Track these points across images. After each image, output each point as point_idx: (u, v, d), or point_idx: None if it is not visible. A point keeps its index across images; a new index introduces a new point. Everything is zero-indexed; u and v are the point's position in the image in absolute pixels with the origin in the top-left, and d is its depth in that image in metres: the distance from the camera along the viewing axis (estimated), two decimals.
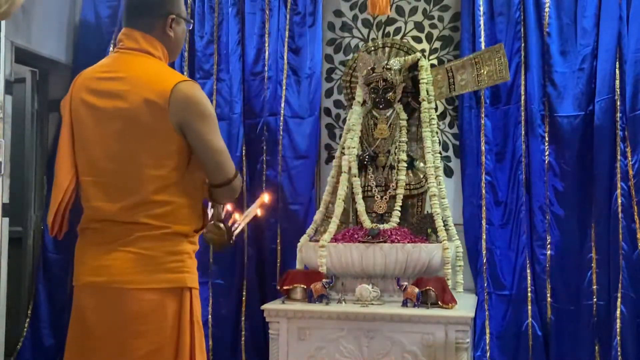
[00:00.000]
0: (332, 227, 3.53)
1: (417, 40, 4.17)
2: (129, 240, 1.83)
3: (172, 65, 2.04)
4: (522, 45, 3.82)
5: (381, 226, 3.46)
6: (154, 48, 1.97)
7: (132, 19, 1.99)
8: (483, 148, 3.84)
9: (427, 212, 3.62)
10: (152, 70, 1.91)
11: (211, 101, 4.17)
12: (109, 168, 1.87)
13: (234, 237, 2.11)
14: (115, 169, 1.86)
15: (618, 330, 3.40)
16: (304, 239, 3.66)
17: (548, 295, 3.68)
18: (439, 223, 3.46)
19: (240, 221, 2.17)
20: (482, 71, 3.67)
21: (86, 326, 1.86)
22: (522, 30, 3.82)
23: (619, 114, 3.54)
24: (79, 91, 1.94)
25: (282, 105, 4.16)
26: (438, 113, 3.98)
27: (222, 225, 2.08)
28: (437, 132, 3.77)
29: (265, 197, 2.35)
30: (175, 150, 1.85)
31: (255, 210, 2.25)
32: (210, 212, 2.07)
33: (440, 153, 3.84)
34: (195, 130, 1.85)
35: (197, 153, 1.88)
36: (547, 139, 3.74)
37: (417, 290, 3.22)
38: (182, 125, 1.84)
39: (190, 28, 4.19)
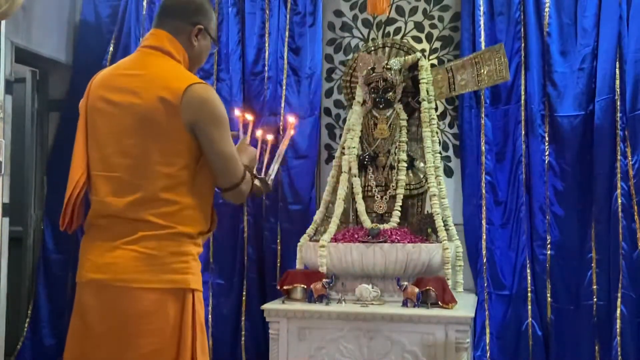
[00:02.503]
0: (332, 227, 3.54)
1: (417, 40, 4.17)
2: (133, 238, 1.84)
3: None
4: (522, 45, 3.82)
5: (381, 226, 3.46)
6: (176, 51, 1.99)
7: (162, 19, 2.03)
8: (483, 148, 3.84)
9: (427, 212, 3.62)
10: (169, 70, 1.94)
11: None
12: (121, 163, 1.88)
13: (270, 184, 2.16)
14: (126, 164, 1.87)
15: (618, 330, 3.40)
16: (304, 239, 3.66)
17: (548, 295, 3.69)
18: (439, 223, 3.46)
19: (273, 165, 2.21)
20: (482, 71, 3.67)
21: (88, 323, 1.86)
22: (522, 30, 3.82)
23: (619, 114, 3.54)
24: (97, 88, 1.98)
25: (282, 105, 4.16)
26: (438, 113, 3.98)
27: (257, 181, 2.12)
28: (437, 132, 3.77)
29: (292, 131, 2.39)
30: (184, 149, 1.86)
31: (285, 146, 2.30)
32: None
33: (440, 153, 3.84)
34: (206, 133, 1.87)
35: (206, 155, 1.89)
36: (547, 138, 3.74)
37: (417, 290, 3.22)
38: (193, 125, 1.85)
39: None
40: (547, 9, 3.77)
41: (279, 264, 4.08)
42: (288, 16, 4.19)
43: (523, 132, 3.78)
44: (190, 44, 2.03)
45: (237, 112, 2.37)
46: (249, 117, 2.30)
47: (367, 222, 3.51)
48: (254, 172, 2.16)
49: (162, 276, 1.84)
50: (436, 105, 3.85)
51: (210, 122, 1.87)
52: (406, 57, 3.74)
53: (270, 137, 2.34)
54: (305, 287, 3.39)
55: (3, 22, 3.47)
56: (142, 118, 1.86)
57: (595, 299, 3.56)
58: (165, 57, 1.97)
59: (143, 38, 2.05)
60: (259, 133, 2.32)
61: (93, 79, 2.02)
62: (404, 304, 3.24)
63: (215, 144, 1.88)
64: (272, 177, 2.18)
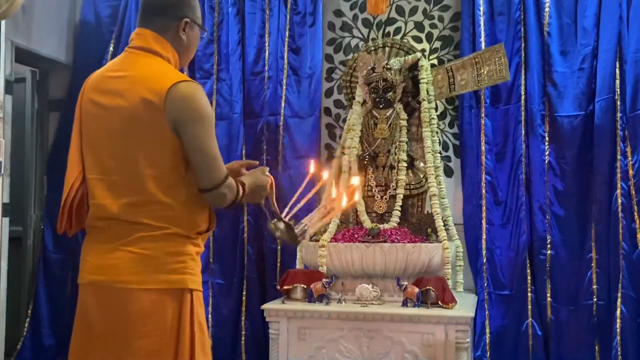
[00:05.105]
0: (332, 227, 3.53)
1: (417, 40, 4.17)
2: (130, 240, 1.83)
3: None
4: (522, 45, 3.81)
5: (381, 226, 3.46)
6: (164, 49, 1.96)
7: (147, 18, 1.99)
8: (483, 148, 3.83)
9: (427, 212, 3.62)
10: (154, 70, 1.91)
11: (211, 101, 4.17)
12: (113, 166, 1.87)
13: (299, 237, 2.02)
14: (117, 166, 1.86)
15: (618, 330, 3.40)
16: None
17: (548, 295, 3.68)
18: (439, 223, 3.46)
19: (311, 221, 2.05)
20: (482, 71, 3.67)
21: (88, 325, 1.87)
22: (522, 30, 3.82)
23: (619, 114, 3.54)
24: (89, 91, 1.96)
25: (282, 105, 4.16)
26: (438, 113, 3.98)
27: (282, 224, 2.02)
28: (437, 132, 3.77)
29: (355, 180, 2.23)
30: (169, 151, 1.84)
31: (336, 207, 2.10)
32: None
33: (440, 153, 3.84)
34: (188, 130, 1.83)
35: (188, 154, 1.85)
36: (547, 138, 3.74)
37: (417, 290, 3.22)
38: (176, 125, 1.82)
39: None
40: (547, 9, 3.77)
41: (279, 264, 4.08)
42: (288, 16, 4.19)
43: (523, 132, 3.78)
44: (178, 38, 1.99)
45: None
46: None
47: (367, 222, 3.51)
48: (273, 208, 2.02)
49: (159, 277, 1.83)
50: (436, 105, 3.85)
51: (193, 118, 1.83)
52: (406, 57, 3.74)
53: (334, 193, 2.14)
54: (305, 287, 3.39)
55: (3, 22, 3.47)
56: (127, 120, 1.85)
57: (595, 299, 3.56)
58: (153, 57, 1.94)
59: (130, 38, 2.01)
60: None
61: (86, 81, 2.00)
62: (404, 304, 3.24)
63: (196, 141, 1.83)
64: (303, 232, 2.01)
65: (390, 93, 3.67)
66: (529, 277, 3.70)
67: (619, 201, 3.48)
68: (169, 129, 1.82)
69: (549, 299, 3.68)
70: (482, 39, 3.86)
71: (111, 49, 4.31)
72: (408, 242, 3.35)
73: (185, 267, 1.88)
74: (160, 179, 1.84)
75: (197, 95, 1.86)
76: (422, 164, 3.67)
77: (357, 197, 2.20)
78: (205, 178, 1.86)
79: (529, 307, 3.68)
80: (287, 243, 2.05)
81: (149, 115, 1.82)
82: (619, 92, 3.56)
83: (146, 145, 1.84)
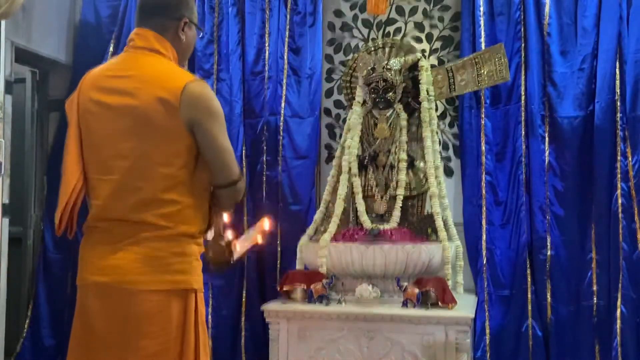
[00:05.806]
0: (332, 227, 3.53)
1: (417, 40, 4.17)
2: (135, 240, 1.83)
3: None
4: (522, 45, 3.82)
5: (381, 226, 3.46)
6: (165, 48, 1.97)
7: (146, 18, 2.00)
8: (483, 148, 3.83)
9: (427, 212, 3.62)
10: (163, 69, 1.92)
11: None
12: (119, 166, 1.86)
13: (234, 258, 2.04)
14: (125, 166, 1.85)
15: (618, 330, 3.41)
16: (304, 239, 3.66)
17: (548, 295, 3.68)
18: (439, 223, 3.46)
19: (239, 247, 2.08)
20: (483, 71, 3.67)
21: (90, 326, 1.85)
22: (522, 30, 3.82)
23: (619, 114, 3.55)
24: (88, 90, 1.95)
25: (283, 105, 4.16)
26: (438, 113, 3.98)
27: (222, 242, 2.04)
28: (437, 132, 3.77)
29: (266, 224, 2.26)
30: (184, 148, 1.85)
31: (255, 236, 2.16)
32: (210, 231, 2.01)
33: (440, 153, 3.84)
34: (205, 129, 1.85)
35: (204, 152, 1.87)
36: (547, 139, 3.74)
37: (417, 290, 3.22)
38: (192, 123, 1.84)
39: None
40: (547, 9, 3.77)
41: (279, 265, 4.08)
42: (288, 16, 4.19)
43: (523, 132, 3.78)
44: (178, 38, 2.01)
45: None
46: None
47: (367, 223, 3.51)
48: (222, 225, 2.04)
49: (165, 277, 1.83)
50: (436, 105, 3.85)
51: (209, 117, 1.86)
52: (406, 57, 3.74)
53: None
54: (305, 287, 3.39)
55: (3, 22, 3.47)
56: (139, 119, 1.84)
57: (595, 299, 3.56)
58: (156, 56, 1.95)
59: (128, 38, 2.01)
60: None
61: (83, 79, 1.99)
62: (404, 305, 3.24)
63: (214, 138, 1.87)
64: (235, 255, 2.05)
65: (390, 93, 3.67)
66: (529, 278, 3.70)
67: (619, 201, 3.48)
68: (184, 127, 1.83)
69: (549, 299, 3.68)
70: (482, 39, 3.86)
71: (111, 49, 4.30)
72: (408, 242, 3.35)
73: (190, 267, 1.88)
74: (172, 177, 1.84)
75: (210, 94, 1.91)
76: (422, 164, 3.67)
77: (260, 240, 2.24)
78: (225, 173, 1.90)
79: (529, 307, 3.68)
80: (217, 262, 2.04)
81: (164, 114, 1.83)
82: (619, 93, 3.56)
83: (160, 144, 1.84)
